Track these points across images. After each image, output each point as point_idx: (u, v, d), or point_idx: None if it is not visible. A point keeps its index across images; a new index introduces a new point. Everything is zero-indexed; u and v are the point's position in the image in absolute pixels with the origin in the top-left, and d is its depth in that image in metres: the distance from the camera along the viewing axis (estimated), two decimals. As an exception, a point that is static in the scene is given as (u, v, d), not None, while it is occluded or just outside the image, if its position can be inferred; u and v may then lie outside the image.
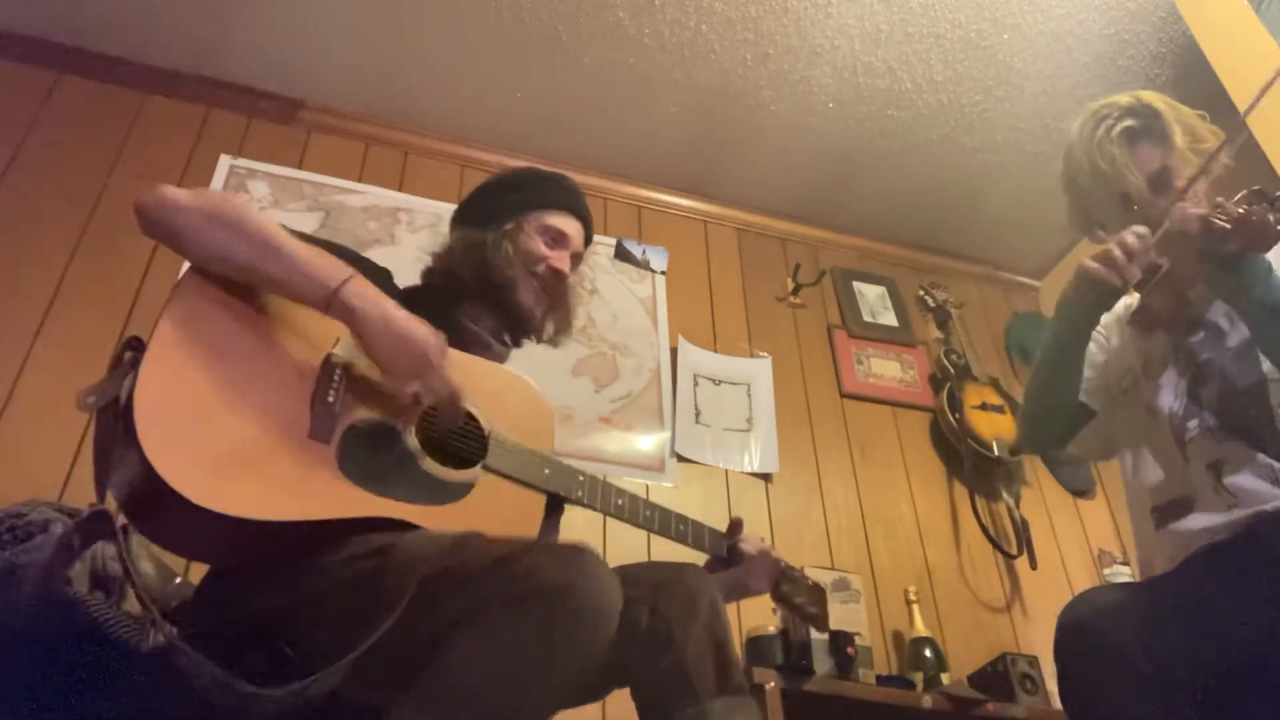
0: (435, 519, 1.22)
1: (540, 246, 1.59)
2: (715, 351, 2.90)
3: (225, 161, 2.70)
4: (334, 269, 1.19)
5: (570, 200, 1.68)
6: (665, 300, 2.96)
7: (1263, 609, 1.26)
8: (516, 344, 1.63)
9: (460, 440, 1.34)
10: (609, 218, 3.09)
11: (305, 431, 1.16)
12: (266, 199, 2.68)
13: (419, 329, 1.21)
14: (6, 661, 1.03)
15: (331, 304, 1.17)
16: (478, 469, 1.32)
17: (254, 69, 2.80)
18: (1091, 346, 1.62)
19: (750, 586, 1.55)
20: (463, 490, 1.28)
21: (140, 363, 1.09)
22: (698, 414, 2.73)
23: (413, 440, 1.26)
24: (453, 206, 2.86)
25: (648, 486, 2.53)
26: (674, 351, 2.83)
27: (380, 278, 1.42)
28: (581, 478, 1.41)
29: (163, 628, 0.99)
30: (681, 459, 2.62)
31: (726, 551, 1.55)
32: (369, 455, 1.21)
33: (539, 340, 1.65)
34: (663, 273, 3.02)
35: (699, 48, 2.75)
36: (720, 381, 2.83)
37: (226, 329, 1.17)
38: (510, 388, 1.48)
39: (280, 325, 1.21)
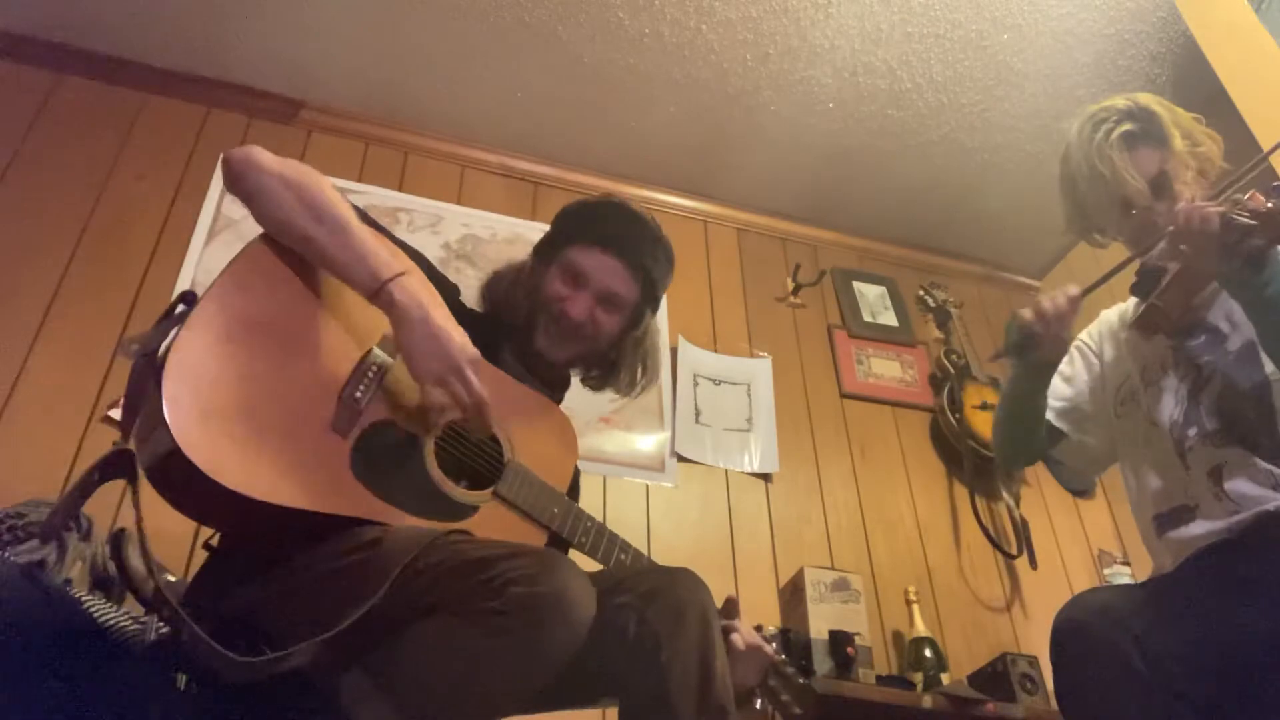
0: None
1: (557, 287, 1.47)
2: (715, 351, 2.90)
3: (225, 161, 2.71)
4: (392, 261, 1.18)
5: (600, 233, 1.52)
6: (665, 300, 2.94)
7: (1264, 609, 1.25)
8: (552, 386, 1.54)
9: (478, 461, 1.32)
10: (609, 218, 3.09)
11: (327, 422, 1.15)
12: (267, 199, 2.68)
13: (455, 335, 1.17)
14: (7, 661, 1.03)
15: (379, 293, 1.15)
16: (487, 493, 1.30)
17: (254, 69, 2.80)
18: (1065, 369, 1.66)
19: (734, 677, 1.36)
20: (467, 512, 1.26)
21: (186, 318, 1.08)
22: (698, 414, 2.73)
23: (429, 452, 1.25)
24: (452, 206, 2.92)
25: (648, 486, 2.53)
26: (674, 351, 2.82)
27: (448, 293, 1.38)
28: (589, 524, 1.38)
29: (170, 605, 0.99)
30: (682, 459, 2.62)
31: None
32: (381, 458, 1.19)
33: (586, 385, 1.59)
34: (663, 273, 3.01)
35: (699, 48, 2.74)
36: (720, 381, 2.83)
37: (278, 302, 1.16)
38: (543, 416, 1.43)
39: (331, 312, 1.20)
